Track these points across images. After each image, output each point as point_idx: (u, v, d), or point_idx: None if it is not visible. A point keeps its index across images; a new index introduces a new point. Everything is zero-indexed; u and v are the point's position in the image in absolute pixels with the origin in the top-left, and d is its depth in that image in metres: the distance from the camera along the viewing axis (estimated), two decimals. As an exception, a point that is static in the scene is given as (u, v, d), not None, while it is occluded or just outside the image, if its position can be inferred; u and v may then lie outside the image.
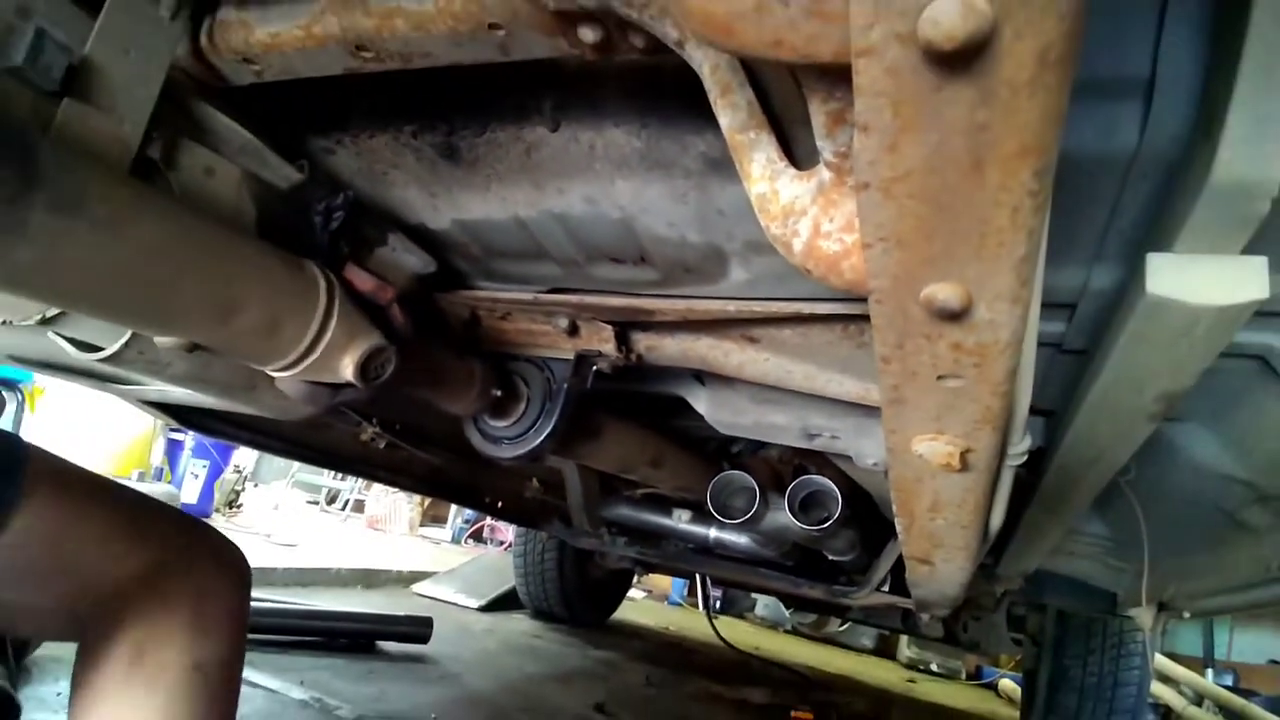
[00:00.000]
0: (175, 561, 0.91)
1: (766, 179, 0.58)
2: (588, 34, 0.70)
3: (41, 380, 4.77)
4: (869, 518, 2.20)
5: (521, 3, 0.71)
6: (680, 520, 2.60)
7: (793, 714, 3.47)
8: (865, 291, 0.54)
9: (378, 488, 8.50)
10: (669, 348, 1.38)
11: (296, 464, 9.05)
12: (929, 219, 0.45)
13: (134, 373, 0.89)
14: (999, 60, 0.35)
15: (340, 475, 9.01)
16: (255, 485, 8.72)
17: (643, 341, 1.38)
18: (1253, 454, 1.31)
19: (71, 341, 0.88)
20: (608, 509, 2.84)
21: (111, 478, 1.00)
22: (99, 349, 0.88)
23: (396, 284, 1.22)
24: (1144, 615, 2.10)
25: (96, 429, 4.96)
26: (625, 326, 1.36)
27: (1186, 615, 2.08)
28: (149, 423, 5.32)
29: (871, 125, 0.40)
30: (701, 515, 2.58)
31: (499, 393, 1.25)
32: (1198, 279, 0.74)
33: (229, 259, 0.78)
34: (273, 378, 0.99)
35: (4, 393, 4.64)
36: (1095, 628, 3.21)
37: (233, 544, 1.02)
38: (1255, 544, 1.47)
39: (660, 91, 0.92)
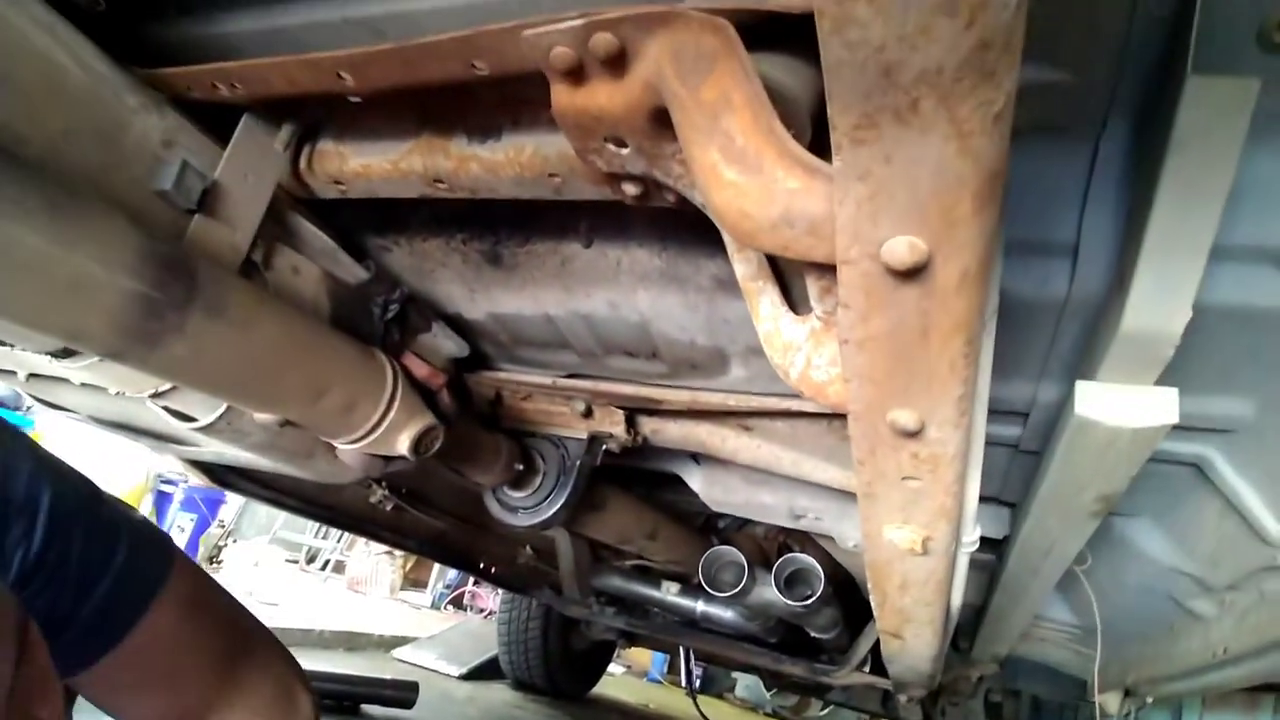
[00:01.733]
0: (269, 691, 0.98)
1: (771, 320, 0.75)
2: (630, 188, 0.88)
3: (41, 428, 4.83)
4: (850, 599, 2.31)
5: (578, 161, 0.89)
6: (669, 592, 2.70)
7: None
8: (845, 411, 0.70)
9: (359, 548, 8.43)
10: (672, 431, 1.54)
11: (279, 521, 8.97)
12: (892, 367, 0.62)
13: (221, 440, 1.03)
14: (934, 275, 0.52)
15: (321, 534, 8.93)
16: (235, 541, 8.63)
17: (649, 425, 1.54)
18: (1195, 550, 1.46)
19: (170, 411, 1.03)
20: (598, 578, 2.93)
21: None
22: (193, 419, 1.02)
23: (435, 365, 1.38)
24: (1109, 701, 2.20)
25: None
26: (634, 411, 1.51)
27: (1150, 700, 2.18)
28: (141, 475, 5.36)
29: (850, 304, 0.57)
30: (689, 588, 2.68)
31: (521, 467, 1.39)
32: (1117, 405, 0.91)
33: (321, 349, 0.94)
34: (331, 447, 1.14)
35: None
36: (1067, 714, 3.27)
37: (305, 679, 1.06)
38: (1205, 631, 1.61)
39: (680, 222, 1.10)
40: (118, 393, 0.99)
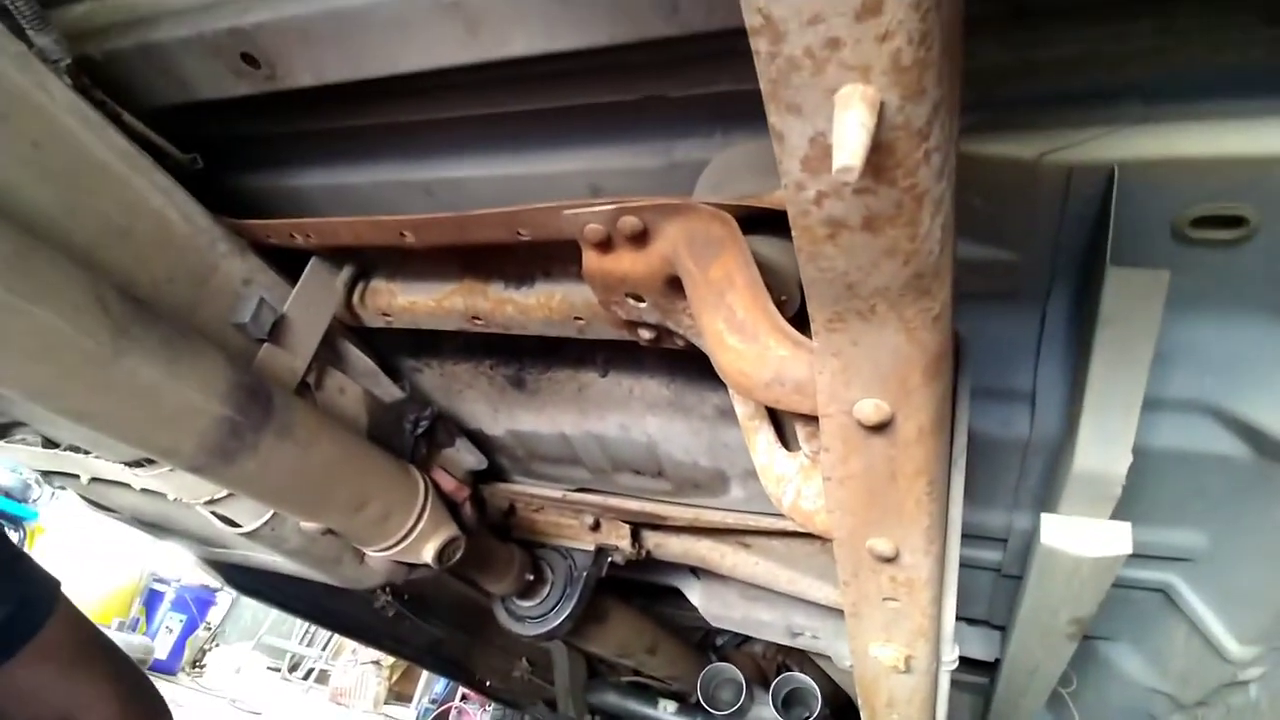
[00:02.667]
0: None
1: (767, 454, 0.86)
2: (645, 333, 1.02)
3: (44, 520, 4.86)
4: (848, 720, 2.30)
5: (601, 309, 1.03)
6: (665, 711, 2.67)
7: None
8: (830, 537, 0.81)
9: (344, 657, 8.16)
10: (674, 546, 1.62)
11: (265, 625, 8.73)
12: (867, 501, 0.73)
13: (262, 545, 1.13)
14: (897, 430, 0.65)
15: (306, 641, 8.66)
16: (218, 645, 8.37)
17: (653, 539, 1.62)
18: (1168, 669, 1.52)
19: (219, 517, 1.13)
20: (594, 694, 2.90)
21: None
22: (238, 525, 1.12)
23: (458, 479, 1.49)
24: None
25: (86, 574, 4.97)
26: (639, 526, 1.60)
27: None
28: (135, 574, 5.32)
29: (830, 448, 0.69)
30: (687, 707, 2.65)
31: (531, 577, 1.47)
32: (1077, 536, 1.01)
33: (365, 465, 1.05)
34: (358, 554, 1.23)
35: (6, 527, 4.72)
36: None
37: None
38: (1182, 749, 1.64)
39: (688, 359, 1.24)
40: (175, 499, 1.09)
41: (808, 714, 1.92)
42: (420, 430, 1.35)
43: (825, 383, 0.63)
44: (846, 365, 0.61)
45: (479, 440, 1.56)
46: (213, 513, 1.11)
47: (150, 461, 1.02)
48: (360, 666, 7.60)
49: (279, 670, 8.62)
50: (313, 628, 7.90)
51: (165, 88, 1.09)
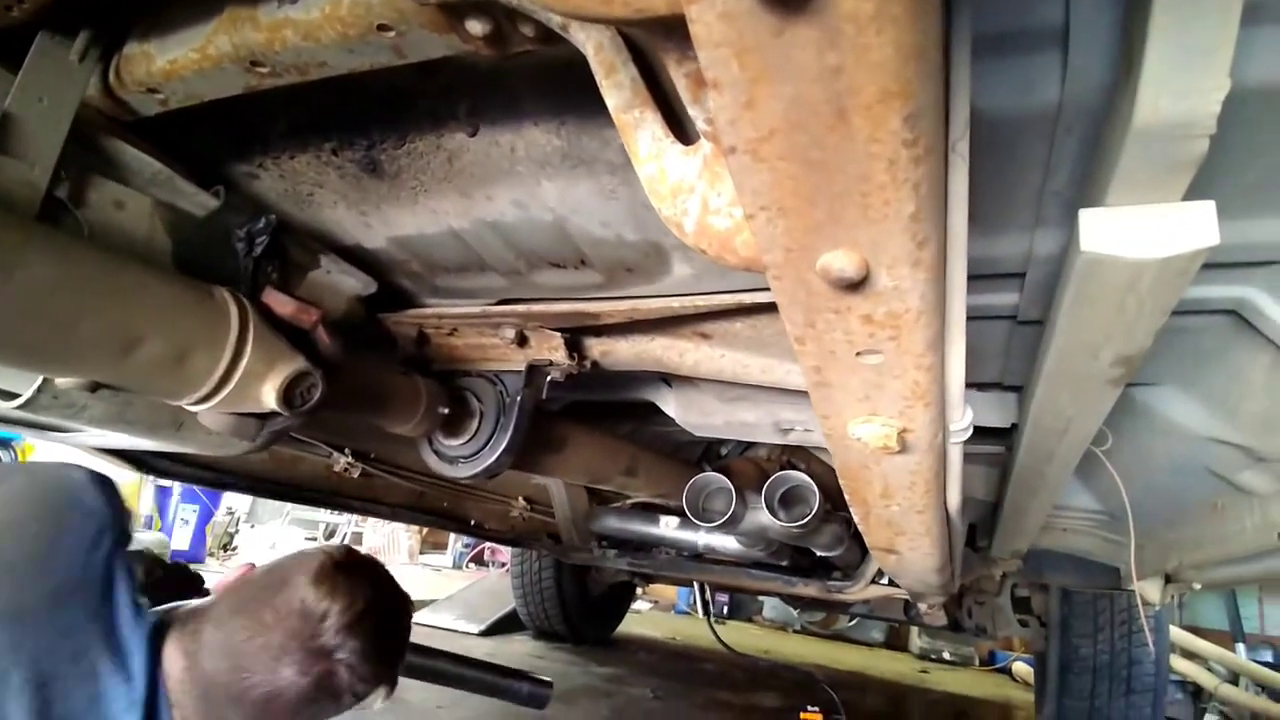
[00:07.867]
0: None
1: (654, 158, 0.55)
2: (476, 27, 0.67)
3: (33, 439, 4.70)
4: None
5: (406, 1, 0.68)
6: (668, 528, 2.56)
7: (801, 716, 3.42)
8: (761, 268, 0.51)
9: (373, 520, 8.43)
10: (623, 351, 1.35)
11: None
12: (806, 181, 0.42)
13: (51, 417, 0.86)
14: (834, -8, 0.32)
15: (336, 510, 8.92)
16: (252, 526, 8.63)
17: (596, 347, 1.35)
18: (1238, 414, 1.27)
19: (-16, 390, 0.85)
20: (596, 522, 2.80)
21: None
22: (15, 396, 0.84)
23: (334, 307, 1.19)
24: (1148, 589, 2.05)
25: (81, 482, 4.87)
26: (575, 333, 1.32)
27: (1197, 587, 2.01)
28: (134, 475, 5.25)
29: (722, 80, 0.37)
30: (689, 522, 2.54)
31: (446, 410, 1.21)
32: (1135, 231, 0.71)
33: (127, 293, 0.75)
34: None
35: (-3, 451, 4.60)
36: (1102, 604, 3.15)
37: None
38: (1261, 509, 1.43)
39: (573, 88, 0.89)
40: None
41: (808, 510, 1.75)
42: (258, 249, 1.04)
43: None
44: None
45: (361, 260, 1.25)
46: (-30, 386, 0.83)
47: None
48: (389, 525, 7.84)
49: (316, 540, 8.96)
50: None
51: None
